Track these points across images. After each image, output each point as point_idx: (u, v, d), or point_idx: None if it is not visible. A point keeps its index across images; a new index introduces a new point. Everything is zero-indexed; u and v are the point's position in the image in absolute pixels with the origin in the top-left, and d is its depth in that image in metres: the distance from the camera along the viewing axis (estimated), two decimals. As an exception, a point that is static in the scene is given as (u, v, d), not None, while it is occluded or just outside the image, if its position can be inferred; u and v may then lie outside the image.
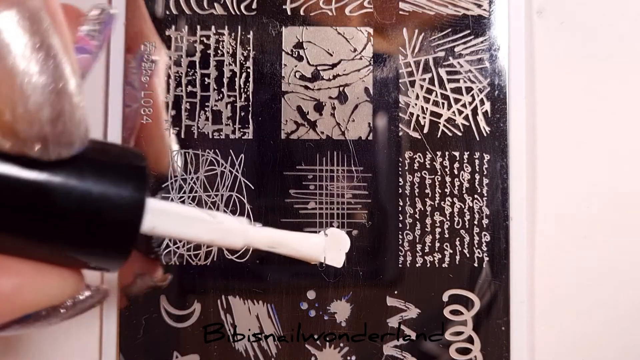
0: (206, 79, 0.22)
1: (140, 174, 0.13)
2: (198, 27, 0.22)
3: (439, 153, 0.22)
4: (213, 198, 0.21)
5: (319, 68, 0.22)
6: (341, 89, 0.22)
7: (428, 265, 0.21)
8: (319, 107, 0.22)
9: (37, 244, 0.12)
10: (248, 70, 0.22)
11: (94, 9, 0.16)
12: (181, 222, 0.16)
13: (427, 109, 0.22)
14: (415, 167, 0.21)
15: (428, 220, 0.21)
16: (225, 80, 0.22)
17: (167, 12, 0.22)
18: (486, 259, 0.21)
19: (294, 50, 0.22)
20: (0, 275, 0.12)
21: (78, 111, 0.12)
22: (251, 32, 0.22)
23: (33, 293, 0.12)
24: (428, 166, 0.22)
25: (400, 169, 0.21)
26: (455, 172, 0.22)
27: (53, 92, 0.11)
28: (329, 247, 0.20)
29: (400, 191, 0.21)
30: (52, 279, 0.13)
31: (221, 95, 0.22)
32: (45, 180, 0.12)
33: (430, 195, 0.21)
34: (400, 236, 0.21)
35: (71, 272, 0.13)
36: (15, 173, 0.11)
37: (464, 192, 0.21)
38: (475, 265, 0.21)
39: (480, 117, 0.22)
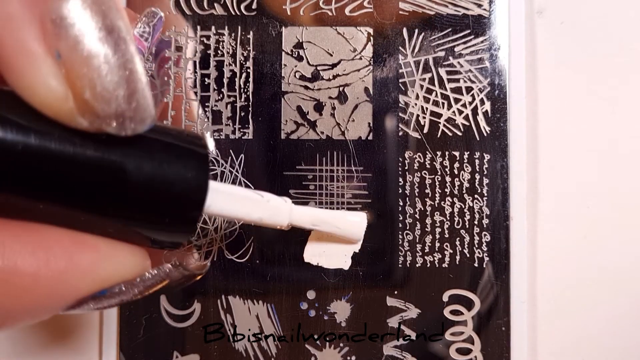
0: (206, 79, 0.22)
1: (202, 154, 0.14)
2: (198, 27, 0.22)
3: (439, 153, 0.21)
4: (213, 198, 0.21)
5: (318, 68, 0.22)
6: (341, 89, 0.22)
7: (428, 265, 0.21)
8: (319, 107, 0.22)
9: (110, 220, 0.13)
10: (248, 70, 0.22)
11: (147, 12, 0.17)
12: (233, 201, 0.16)
13: (427, 108, 0.22)
14: (415, 167, 0.21)
15: (428, 220, 0.21)
16: (225, 81, 0.22)
17: (168, 13, 0.22)
18: (486, 259, 0.21)
19: (294, 50, 0.22)
20: (80, 250, 0.13)
21: (147, 88, 0.12)
22: (251, 32, 0.22)
23: (109, 268, 0.13)
24: (428, 166, 0.21)
25: (400, 169, 0.21)
26: (456, 172, 0.21)
27: (126, 70, 0.12)
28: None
29: (400, 191, 0.21)
30: (125, 256, 0.13)
31: (221, 95, 0.22)
32: (119, 157, 0.12)
33: (430, 195, 0.21)
34: (400, 236, 0.21)
35: (140, 250, 0.14)
36: (91, 151, 0.12)
37: (464, 192, 0.21)
38: (476, 265, 0.21)
39: (480, 117, 0.22)
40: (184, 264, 0.16)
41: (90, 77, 0.11)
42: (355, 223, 0.20)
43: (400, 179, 0.21)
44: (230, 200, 0.16)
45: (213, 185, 0.15)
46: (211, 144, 0.21)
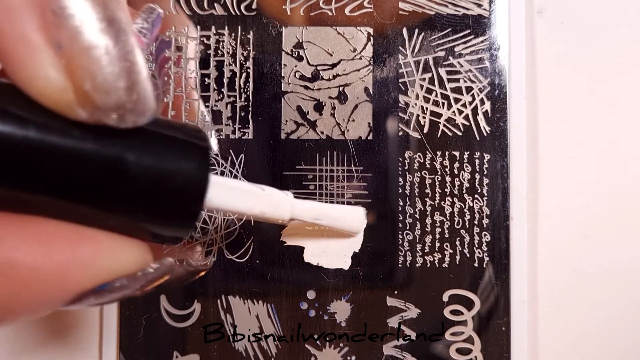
0: (206, 79, 0.22)
1: (203, 147, 0.14)
2: (198, 27, 0.22)
3: (439, 153, 0.21)
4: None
5: (318, 68, 0.22)
6: (341, 88, 0.22)
7: (428, 265, 0.21)
8: (319, 107, 0.22)
9: (111, 213, 0.13)
10: (248, 70, 0.22)
11: (145, 8, 0.17)
12: (235, 195, 0.16)
13: (427, 108, 0.22)
14: (415, 167, 0.21)
15: (428, 220, 0.21)
16: (225, 81, 0.22)
17: (168, 13, 0.22)
18: (486, 259, 0.21)
19: (294, 50, 0.22)
20: (80, 243, 0.12)
21: (148, 81, 0.12)
22: (251, 32, 0.22)
23: (110, 261, 0.13)
24: (428, 166, 0.21)
25: (400, 169, 0.21)
26: (456, 171, 0.21)
27: (127, 62, 0.12)
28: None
29: (400, 191, 0.21)
30: (126, 249, 0.13)
31: (221, 95, 0.22)
32: (119, 150, 0.12)
33: (430, 195, 0.21)
34: (400, 236, 0.21)
35: (141, 243, 0.14)
36: (91, 144, 0.12)
37: (464, 191, 0.21)
38: (476, 265, 0.21)
39: (480, 117, 0.22)
40: (188, 260, 0.16)
41: (91, 68, 0.11)
42: (357, 217, 0.20)
43: (400, 179, 0.21)
44: (232, 194, 0.16)
45: (214, 179, 0.15)
46: (214, 144, 0.21)
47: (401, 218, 0.21)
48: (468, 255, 0.21)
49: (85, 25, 0.11)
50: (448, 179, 0.21)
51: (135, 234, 0.14)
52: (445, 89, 0.22)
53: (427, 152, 0.22)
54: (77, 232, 0.13)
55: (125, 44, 0.12)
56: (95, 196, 0.12)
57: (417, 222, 0.21)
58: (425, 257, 0.21)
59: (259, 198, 0.17)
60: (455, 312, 0.21)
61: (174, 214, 0.14)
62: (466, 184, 0.21)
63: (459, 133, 0.22)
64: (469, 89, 0.22)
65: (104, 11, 0.12)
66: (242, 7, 0.22)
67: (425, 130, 0.22)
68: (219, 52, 0.22)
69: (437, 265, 0.21)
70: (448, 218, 0.21)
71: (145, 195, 0.13)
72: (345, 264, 0.21)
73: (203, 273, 0.20)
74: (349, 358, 0.21)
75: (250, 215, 0.17)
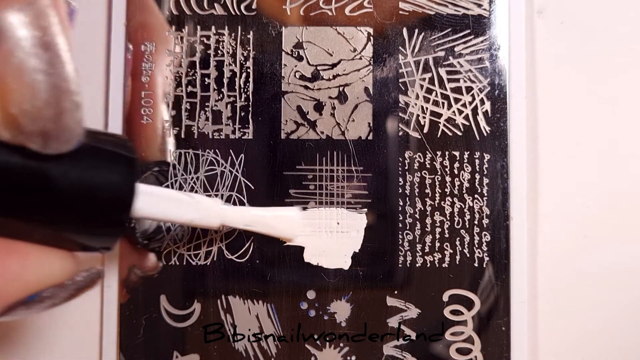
0: (206, 79, 0.22)
1: (130, 157, 0.14)
2: (198, 27, 0.22)
3: (439, 153, 0.21)
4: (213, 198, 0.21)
5: (318, 68, 0.22)
6: (341, 88, 0.22)
7: (428, 265, 0.21)
8: (319, 107, 0.22)
9: (38, 226, 0.13)
10: (248, 70, 0.22)
11: None
12: (163, 204, 0.16)
13: (427, 108, 0.22)
14: (415, 167, 0.21)
15: (428, 220, 0.21)
16: (225, 81, 0.22)
17: (168, 13, 0.22)
18: (486, 259, 0.21)
19: (294, 50, 0.22)
20: (8, 256, 0.13)
21: (78, 110, 0.12)
22: (251, 32, 0.22)
23: (37, 273, 0.13)
24: (428, 166, 0.21)
25: (400, 168, 0.21)
26: (455, 171, 0.21)
27: (58, 90, 0.11)
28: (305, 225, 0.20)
29: (400, 191, 0.21)
30: (53, 260, 0.13)
31: (221, 95, 0.22)
32: (44, 164, 0.12)
33: (430, 195, 0.21)
34: (400, 236, 0.21)
35: (69, 254, 0.14)
36: (16, 159, 0.12)
37: (464, 191, 0.21)
38: (476, 265, 0.21)
39: (480, 117, 0.22)
40: (139, 266, 0.16)
41: (20, 92, 0.11)
42: (290, 222, 0.20)
43: (400, 179, 0.21)
44: (160, 203, 0.16)
45: (142, 188, 0.15)
46: (171, 143, 0.21)
47: (401, 218, 0.21)
48: (468, 255, 0.21)
49: (19, 48, 0.11)
50: (448, 179, 0.21)
51: (65, 245, 0.14)
52: (445, 89, 0.22)
53: (427, 152, 0.22)
54: (4, 246, 0.13)
55: (59, 71, 0.11)
56: (21, 210, 0.12)
57: (417, 222, 0.21)
58: (425, 257, 0.21)
59: (187, 206, 0.17)
60: (455, 312, 0.21)
61: (101, 225, 0.14)
62: (466, 184, 0.21)
63: (459, 133, 0.22)
64: (469, 89, 0.22)
65: (42, 36, 0.11)
66: (242, 7, 0.22)
67: (425, 130, 0.22)
68: (219, 52, 0.22)
69: (437, 265, 0.21)
70: (448, 218, 0.21)
71: (72, 208, 0.13)
72: (345, 264, 0.21)
73: (154, 275, 0.21)
74: (349, 358, 0.21)
75: (179, 222, 0.17)
